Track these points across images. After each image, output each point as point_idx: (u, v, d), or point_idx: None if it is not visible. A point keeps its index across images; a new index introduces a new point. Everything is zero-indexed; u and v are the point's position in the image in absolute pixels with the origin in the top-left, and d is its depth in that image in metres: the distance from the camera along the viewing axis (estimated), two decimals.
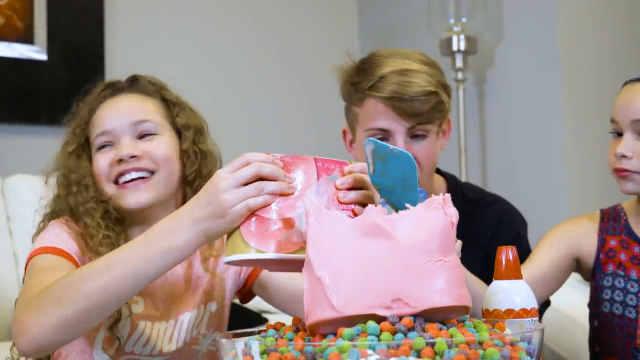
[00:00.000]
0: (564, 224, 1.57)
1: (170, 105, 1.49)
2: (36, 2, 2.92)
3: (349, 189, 1.06)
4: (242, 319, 2.33)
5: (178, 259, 1.11)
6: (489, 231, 1.61)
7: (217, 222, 1.05)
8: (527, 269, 1.46)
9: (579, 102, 3.16)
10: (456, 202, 1.41)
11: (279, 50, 3.42)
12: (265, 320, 2.47)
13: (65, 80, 2.88)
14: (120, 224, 1.40)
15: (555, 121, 3.14)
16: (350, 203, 1.05)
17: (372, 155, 1.02)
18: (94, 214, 1.36)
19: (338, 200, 1.05)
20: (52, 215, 1.44)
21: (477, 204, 1.66)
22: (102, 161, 1.40)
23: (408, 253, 0.90)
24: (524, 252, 1.54)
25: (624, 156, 1.43)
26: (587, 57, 3.21)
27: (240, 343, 0.87)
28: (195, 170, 1.44)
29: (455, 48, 3.23)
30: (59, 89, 2.85)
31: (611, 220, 1.53)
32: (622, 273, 1.47)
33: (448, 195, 0.94)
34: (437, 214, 0.92)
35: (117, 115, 1.42)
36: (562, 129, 3.13)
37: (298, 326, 0.97)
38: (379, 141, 1.01)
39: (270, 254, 1.01)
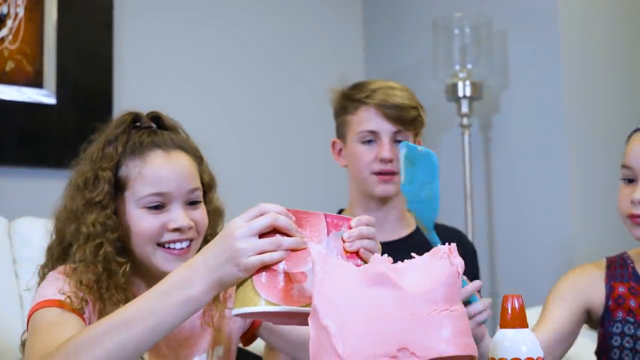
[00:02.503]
0: (571, 275, 1.57)
1: (198, 163, 1.48)
2: (46, 47, 2.95)
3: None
4: None
5: (196, 308, 1.11)
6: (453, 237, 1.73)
7: (232, 270, 1.05)
8: (543, 328, 1.47)
9: (584, 150, 3.16)
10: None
11: (285, 95, 3.45)
12: None
13: (74, 124, 2.90)
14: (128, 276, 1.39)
15: (560, 168, 3.15)
16: (355, 252, 1.07)
17: (404, 160, 1.18)
18: (110, 269, 1.34)
19: (345, 252, 1.06)
20: (52, 263, 1.42)
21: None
22: (155, 223, 1.36)
23: (414, 302, 0.90)
24: (474, 272, 1.77)
25: None
26: (590, 104, 3.23)
27: None
28: (212, 232, 1.45)
29: (460, 94, 3.24)
30: (67, 132, 2.85)
31: (618, 268, 1.53)
32: (632, 320, 1.46)
33: (454, 245, 0.95)
34: (443, 264, 0.93)
35: (174, 177, 1.38)
36: (567, 177, 3.14)
37: None
38: (410, 143, 1.18)
39: (283, 306, 1.01)
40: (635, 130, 1.50)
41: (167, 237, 1.36)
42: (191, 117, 3.20)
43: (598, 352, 1.54)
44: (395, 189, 1.72)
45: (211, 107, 3.32)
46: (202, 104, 3.30)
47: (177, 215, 1.36)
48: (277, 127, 3.41)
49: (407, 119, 1.74)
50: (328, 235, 1.07)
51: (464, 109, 3.23)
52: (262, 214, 1.06)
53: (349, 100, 1.76)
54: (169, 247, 1.37)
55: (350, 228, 1.09)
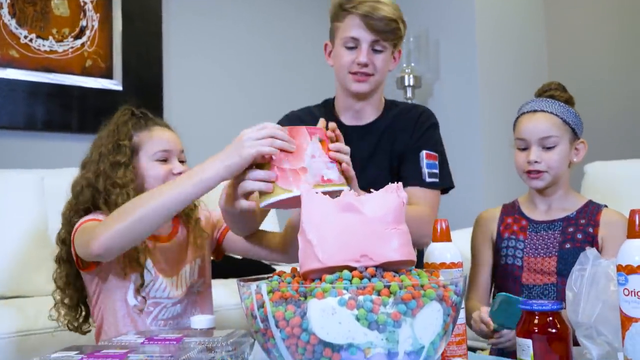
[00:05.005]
0: (479, 220, 1.59)
1: None
2: (114, 49, 2.91)
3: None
4: (255, 270, 2.32)
5: (208, 187, 1.12)
6: (414, 116, 1.59)
7: (236, 159, 1.07)
8: (475, 287, 1.53)
9: (492, 123, 3.16)
10: (391, 110, 1.52)
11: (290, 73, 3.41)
12: (272, 270, 2.45)
13: (135, 104, 2.86)
14: None
15: (474, 136, 3.15)
16: (335, 157, 1.11)
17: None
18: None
19: (327, 153, 1.10)
20: (83, 207, 1.39)
21: (404, 108, 1.65)
22: (165, 169, 1.40)
23: (372, 223, 0.88)
24: (437, 140, 1.57)
25: (536, 162, 1.43)
26: (498, 92, 3.22)
27: (253, 285, 0.86)
28: None
29: (406, 84, 3.24)
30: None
31: (509, 208, 1.55)
32: (514, 237, 1.48)
33: (400, 184, 0.93)
34: (393, 196, 0.91)
35: (172, 141, 1.44)
36: (480, 142, 3.14)
37: (295, 274, 0.96)
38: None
39: (297, 191, 1.04)
40: (522, 113, 1.49)
41: (172, 178, 1.39)
42: (222, 104, 3.20)
43: (494, 263, 1.54)
44: (368, 87, 1.52)
45: (239, 97, 3.27)
46: (231, 95, 3.26)
47: (177, 165, 1.42)
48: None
49: (385, 31, 1.47)
50: (311, 139, 1.09)
51: (409, 94, 3.24)
52: (265, 128, 1.08)
53: (340, 9, 1.52)
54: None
55: (325, 133, 1.13)
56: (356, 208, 0.89)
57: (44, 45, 2.74)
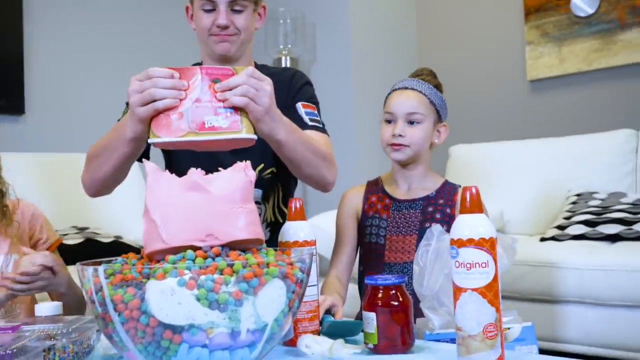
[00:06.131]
0: (344, 200, 1.60)
1: None
2: None
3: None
4: (125, 253, 2.23)
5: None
6: (288, 77, 1.52)
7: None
8: (336, 263, 1.53)
9: (364, 101, 3.24)
10: (263, 72, 1.27)
11: None
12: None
13: None
14: None
15: (348, 119, 3.21)
16: (224, 99, 1.01)
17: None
18: None
19: (217, 99, 1.01)
20: None
21: (277, 70, 1.60)
22: None
23: (218, 202, 0.87)
24: (312, 95, 1.52)
25: (400, 135, 1.47)
26: (368, 73, 3.29)
27: (90, 268, 0.82)
28: None
29: (283, 65, 3.23)
30: None
31: (373, 186, 1.59)
32: (377, 216, 1.52)
33: (249, 162, 0.92)
34: (240, 175, 0.90)
35: None
36: (352, 120, 3.21)
37: (142, 255, 0.93)
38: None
39: (164, 138, 0.99)
40: (394, 90, 1.53)
41: None
42: (89, 76, 3.02)
43: (358, 241, 1.57)
44: (233, 47, 1.42)
45: (107, 68, 3.11)
46: (99, 65, 3.09)
47: None
48: None
49: None
50: (202, 81, 1.01)
51: None
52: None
53: None
54: None
55: (229, 73, 1.03)
56: (202, 187, 0.87)
57: None
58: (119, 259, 0.91)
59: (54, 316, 1.04)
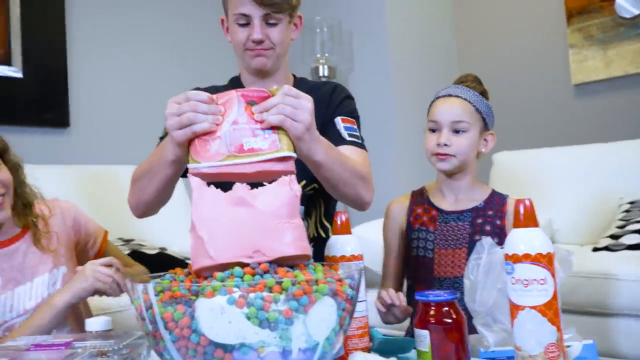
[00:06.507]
0: (389, 212, 1.57)
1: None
2: (12, 34, 2.73)
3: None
4: (169, 265, 2.24)
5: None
6: (328, 90, 1.50)
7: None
8: (387, 275, 1.52)
9: (404, 110, 3.20)
10: (302, 86, 1.32)
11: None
12: (187, 265, 2.37)
13: (36, 93, 2.73)
14: None
15: (389, 127, 3.18)
16: (261, 120, 0.97)
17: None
18: None
19: (255, 121, 0.97)
20: None
21: (317, 84, 1.56)
22: None
23: (264, 217, 0.86)
24: (352, 109, 1.48)
25: (445, 145, 1.43)
26: (408, 81, 3.26)
27: (140, 286, 0.81)
28: (17, 182, 1.39)
29: (320, 74, 3.22)
30: (31, 100, 2.70)
31: (418, 196, 1.55)
32: (424, 229, 1.48)
33: (293, 176, 0.91)
34: (285, 190, 0.88)
35: None
36: (393, 128, 3.17)
37: (190, 271, 0.92)
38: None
39: (203, 163, 0.93)
40: (438, 97, 1.50)
41: None
42: (131, 90, 3.07)
43: (406, 254, 1.54)
44: (269, 61, 1.40)
45: (148, 83, 3.15)
46: (141, 81, 3.14)
47: None
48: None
49: (275, 3, 1.35)
50: (238, 104, 0.97)
51: None
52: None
53: None
54: None
55: (263, 96, 0.98)
56: (248, 202, 0.86)
57: None
58: (167, 275, 0.90)
59: (104, 332, 1.04)
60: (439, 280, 1.43)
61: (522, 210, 0.85)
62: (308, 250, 0.88)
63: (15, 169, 1.37)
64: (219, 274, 0.82)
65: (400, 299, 1.29)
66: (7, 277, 1.29)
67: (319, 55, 3.22)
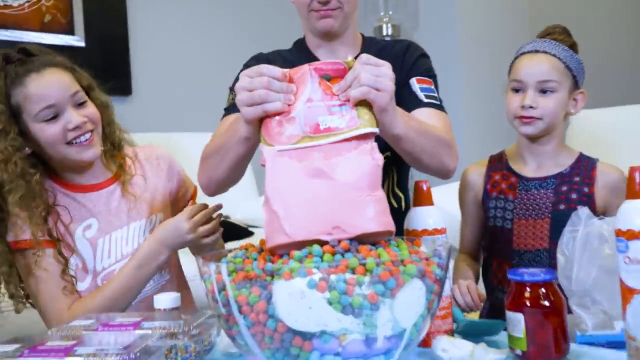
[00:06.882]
0: (465, 177, 1.46)
1: (71, 71, 1.26)
2: (74, 3, 2.73)
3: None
4: (232, 232, 2.21)
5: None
6: (401, 49, 1.39)
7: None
8: (464, 243, 1.45)
9: (473, 71, 3.06)
10: (372, 47, 1.29)
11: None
12: (251, 234, 2.34)
13: (99, 62, 2.72)
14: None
15: (456, 87, 3.04)
16: (336, 95, 0.87)
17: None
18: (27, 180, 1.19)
19: (332, 93, 0.87)
20: None
21: (388, 43, 1.44)
22: (56, 129, 1.18)
23: (344, 190, 0.78)
24: (428, 68, 1.39)
25: (531, 107, 1.31)
26: (479, 40, 3.10)
27: (212, 264, 0.75)
28: (107, 121, 1.30)
29: (384, 33, 3.11)
30: (94, 68, 2.70)
31: (496, 162, 1.43)
32: (502, 197, 1.37)
33: (375, 144, 0.82)
34: (366, 159, 0.80)
35: (54, 90, 1.18)
36: (461, 91, 3.04)
37: (262, 247, 0.86)
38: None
39: (278, 147, 0.84)
40: (522, 53, 1.36)
41: (71, 135, 1.19)
42: (192, 58, 3.04)
43: (483, 222, 1.44)
44: (336, 22, 1.29)
45: (209, 50, 3.11)
46: (202, 48, 3.09)
47: (71, 117, 1.19)
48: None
49: None
50: (312, 79, 0.87)
51: None
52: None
53: None
54: (76, 143, 1.20)
55: (341, 69, 0.88)
56: (326, 173, 0.79)
57: None
58: (240, 252, 0.84)
59: (173, 310, 1.00)
60: (519, 253, 1.32)
61: (637, 178, 0.74)
62: (392, 226, 0.80)
63: (104, 107, 1.30)
64: (296, 253, 0.75)
65: (478, 300, 1.19)
66: (103, 221, 1.26)
67: (382, 14, 3.10)
